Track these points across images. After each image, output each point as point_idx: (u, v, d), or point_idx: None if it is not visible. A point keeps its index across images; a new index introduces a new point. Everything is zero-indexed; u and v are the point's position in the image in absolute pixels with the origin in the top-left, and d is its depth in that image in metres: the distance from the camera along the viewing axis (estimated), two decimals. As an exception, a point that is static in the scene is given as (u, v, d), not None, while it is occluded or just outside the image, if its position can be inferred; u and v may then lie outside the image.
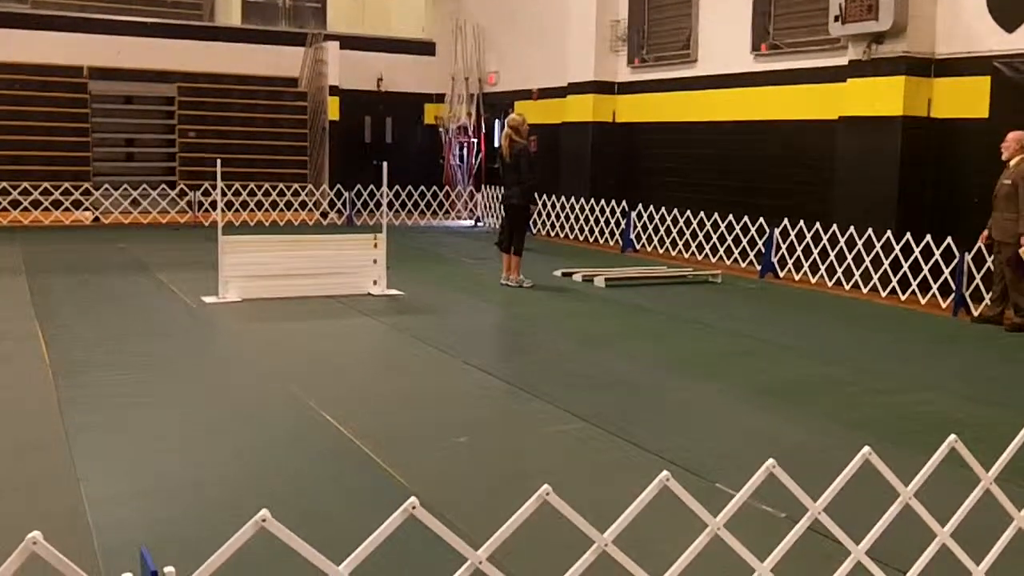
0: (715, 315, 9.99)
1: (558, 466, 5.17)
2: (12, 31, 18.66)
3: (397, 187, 19.91)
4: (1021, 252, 9.13)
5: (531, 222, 12.04)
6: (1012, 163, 9.41)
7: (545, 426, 5.85)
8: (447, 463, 5.12)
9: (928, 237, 10.85)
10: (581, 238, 17.10)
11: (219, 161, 10.79)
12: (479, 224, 20.01)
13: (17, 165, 18.01)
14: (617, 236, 16.22)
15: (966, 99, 11.10)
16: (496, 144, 21.26)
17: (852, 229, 11.75)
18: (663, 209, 15.27)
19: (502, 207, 11.99)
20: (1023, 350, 8.62)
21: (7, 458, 5.05)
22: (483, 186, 20.49)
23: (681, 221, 14.86)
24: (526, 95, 19.64)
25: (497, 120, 21.22)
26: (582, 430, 5.73)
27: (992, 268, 9.82)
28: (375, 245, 10.75)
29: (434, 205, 20.96)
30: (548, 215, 17.91)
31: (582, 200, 17.01)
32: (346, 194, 19.56)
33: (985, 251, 9.98)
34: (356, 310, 9.71)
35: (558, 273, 12.41)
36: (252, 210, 18.69)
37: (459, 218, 21.06)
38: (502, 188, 12.05)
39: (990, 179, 9.68)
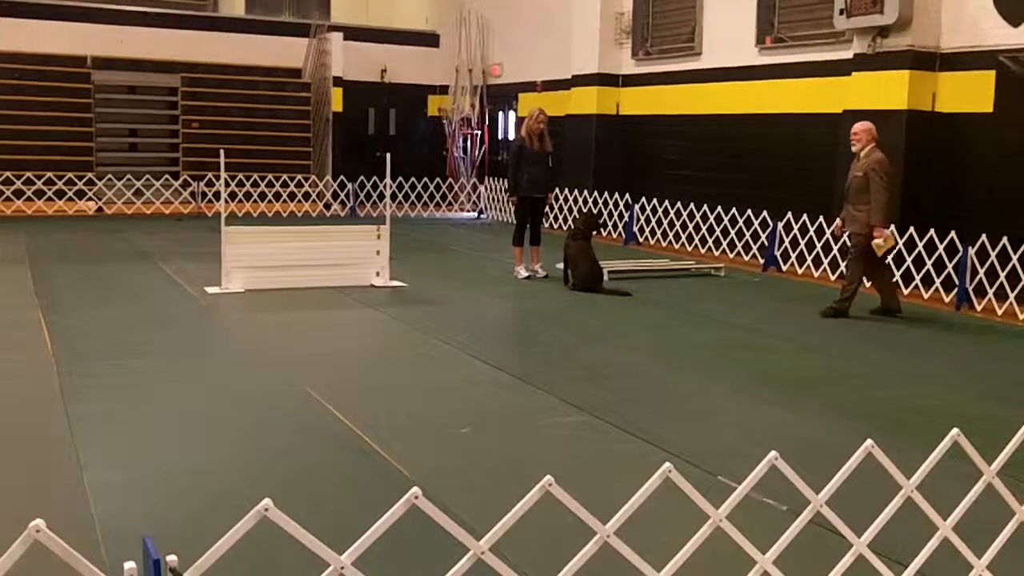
0: (717, 308, 9.98)
1: (560, 457, 5.17)
2: (16, 20, 18.64)
3: (400, 179, 19.85)
4: (874, 244, 9.05)
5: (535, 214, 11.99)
6: (862, 154, 9.25)
7: (548, 418, 5.86)
8: (449, 454, 5.13)
9: (932, 231, 10.82)
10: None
11: (222, 152, 10.78)
12: (482, 216, 19.98)
13: (20, 155, 18.00)
14: (620, 229, 16.21)
15: (971, 93, 11.06)
16: (501, 136, 21.27)
17: (855, 223, 11.71)
18: (666, 202, 15.25)
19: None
20: (1026, 345, 8.62)
21: (10, 446, 5.06)
22: (486, 178, 20.46)
23: (684, 214, 14.84)
24: (530, 87, 19.61)
25: (501, 112, 21.18)
26: (584, 422, 5.73)
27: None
28: (378, 236, 10.75)
29: (437, 197, 20.94)
30: (551, 207, 17.85)
31: (585, 192, 16.98)
32: (349, 185, 19.54)
33: (833, 241, 9.89)
34: (359, 301, 9.72)
35: (560, 265, 12.38)
36: (255, 201, 18.65)
37: (462, 210, 21.04)
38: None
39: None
